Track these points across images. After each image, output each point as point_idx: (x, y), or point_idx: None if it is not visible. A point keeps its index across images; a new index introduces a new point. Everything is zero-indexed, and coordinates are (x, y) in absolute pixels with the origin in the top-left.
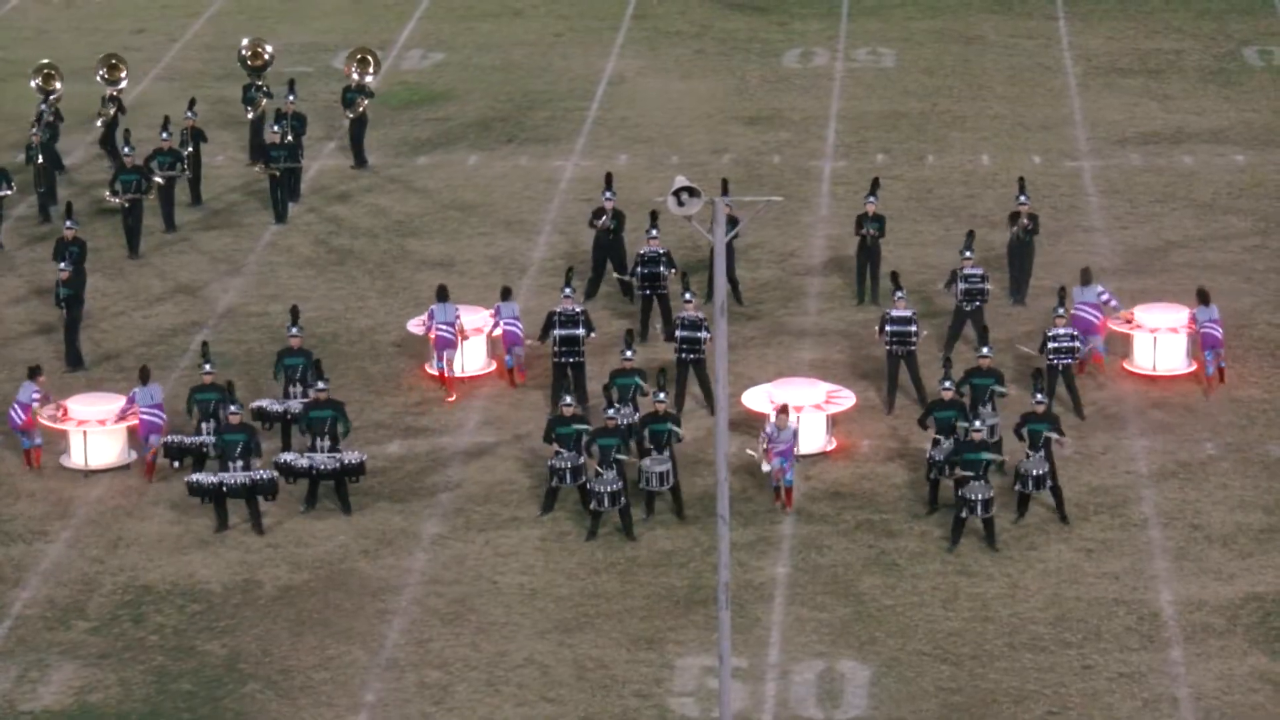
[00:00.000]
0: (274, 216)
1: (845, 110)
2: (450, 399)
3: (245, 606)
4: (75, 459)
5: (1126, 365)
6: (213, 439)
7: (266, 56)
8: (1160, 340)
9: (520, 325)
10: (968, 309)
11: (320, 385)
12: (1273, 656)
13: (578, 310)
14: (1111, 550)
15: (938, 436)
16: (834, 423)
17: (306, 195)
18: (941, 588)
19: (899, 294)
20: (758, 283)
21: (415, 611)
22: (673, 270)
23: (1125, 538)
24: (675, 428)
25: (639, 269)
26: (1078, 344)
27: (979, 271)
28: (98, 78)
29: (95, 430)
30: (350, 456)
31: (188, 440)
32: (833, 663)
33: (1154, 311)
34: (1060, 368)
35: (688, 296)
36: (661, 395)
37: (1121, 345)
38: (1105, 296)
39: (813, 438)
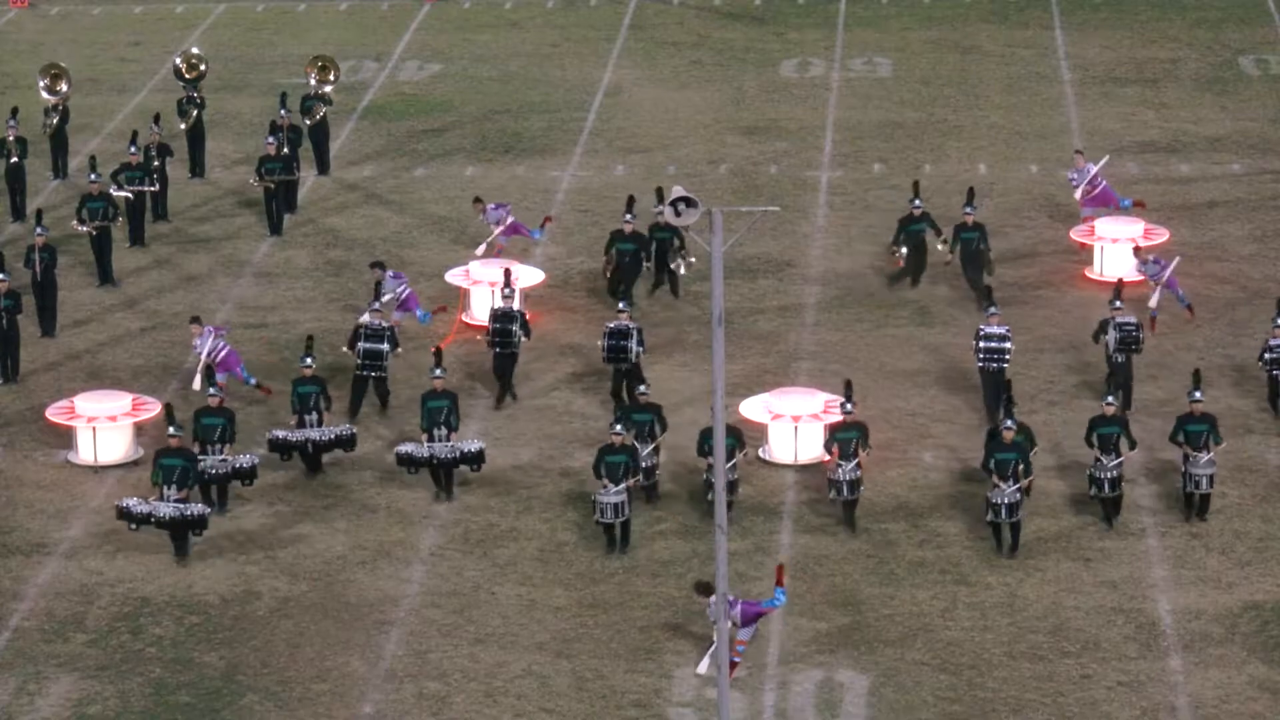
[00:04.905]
0: (269, 228)
1: (842, 120)
2: None
3: (243, 618)
4: (84, 455)
5: (1087, 273)
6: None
7: (202, 69)
8: (1107, 249)
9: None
10: (1120, 360)
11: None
12: (1271, 665)
13: (630, 326)
14: (1110, 559)
15: (1099, 456)
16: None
17: (303, 206)
18: (940, 597)
19: (992, 310)
20: (755, 293)
21: (413, 622)
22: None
23: (1123, 546)
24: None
25: (493, 324)
26: None
27: (1133, 320)
28: (40, 88)
29: (104, 426)
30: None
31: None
32: (831, 672)
33: (1110, 223)
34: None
35: (621, 306)
36: (619, 428)
37: (1080, 253)
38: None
39: (811, 447)
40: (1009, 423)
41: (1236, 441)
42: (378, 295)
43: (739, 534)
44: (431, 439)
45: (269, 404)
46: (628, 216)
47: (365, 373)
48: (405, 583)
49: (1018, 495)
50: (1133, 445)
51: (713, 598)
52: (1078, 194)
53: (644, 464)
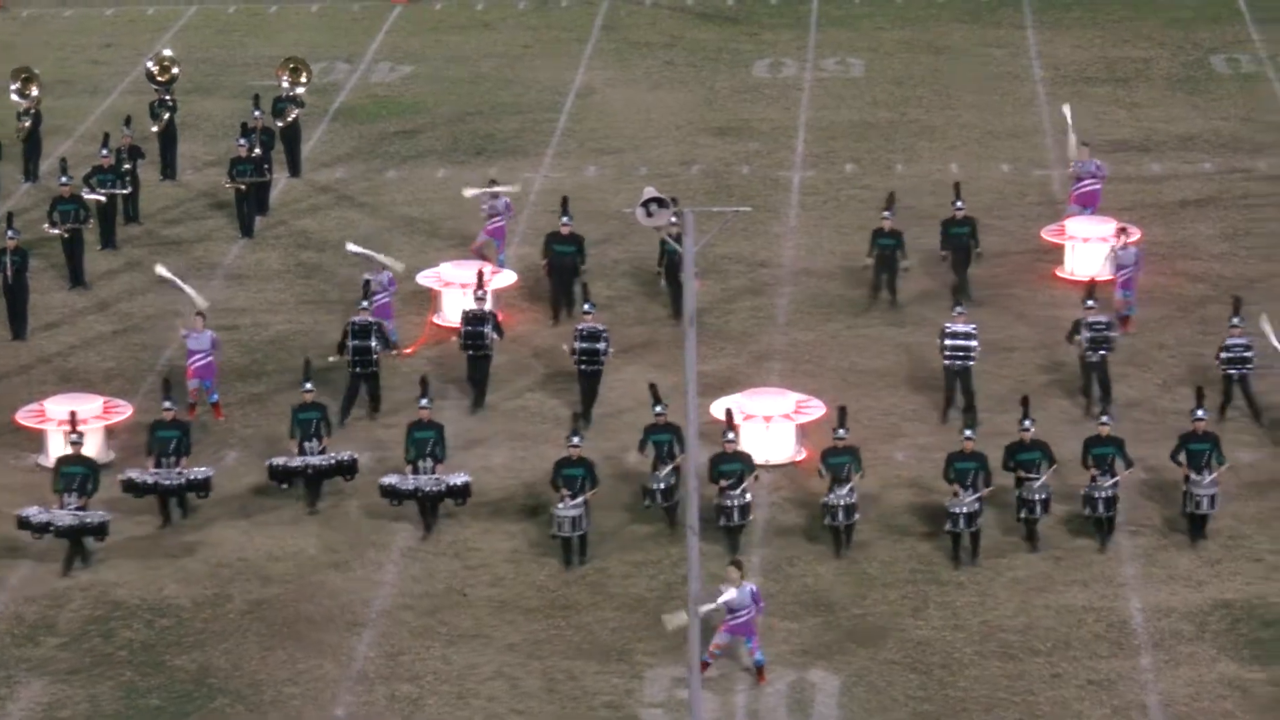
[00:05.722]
0: (240, 230)
1: (814, 120)
2: None
3: (215, 621)
4: (55, 458)
5: (1058, 272)
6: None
7: (174, 71)
8: (1079, 249)
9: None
10: (1093, 359)
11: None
12: (1241, 663)
13: (600, 329)
14: (1080, 558)
15: (1095, 476)
16: (804, 433)
17: (275, 209)
18: (911, 597)
19: (959, 309)
20: (727, 293)
21: (385, 624)
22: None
23: (1093, 545)
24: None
25: (465, 326)
26: (1251, 354)
27: (1104, 319)
28: (11, 92)
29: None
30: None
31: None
32: (803, 672)
33: (1080, 222)
34: (1236, 377)
35: (587, 308)
36: (576, 440)
37: (1055, 253)
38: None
39: (782, 448)
40: (969, 433)
41: None
42: (366, 295)
43: (711, 534)
44: (416, 470)
45: (269, 430)
46: (564, 219)
47: (356, 369)
48: (377, 585)
49: (977, 505)
50: (1129, 464)
51: (739, 587)
52: (1073, 173)
53: (662, 485)
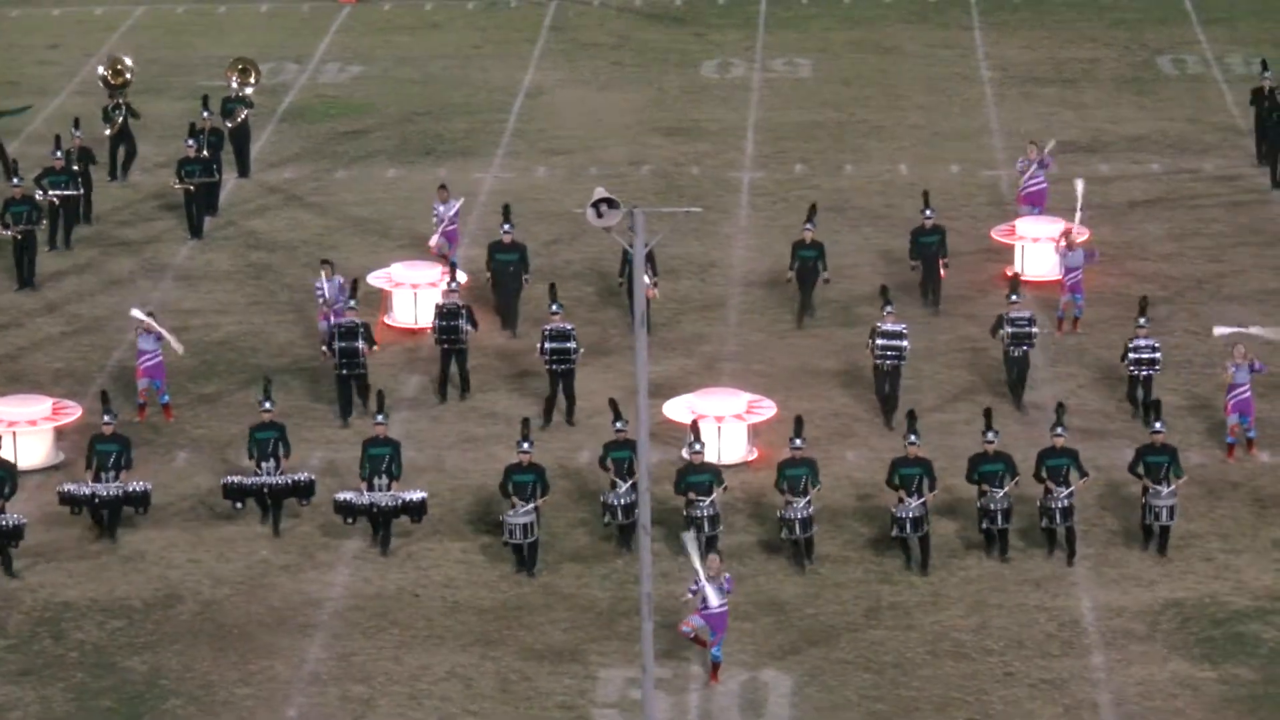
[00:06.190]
0: (189, 231)
1: (763, 121)
2: None
3: (166, 622)
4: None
5: (1008, 272)
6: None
7: (127, 75)
8: (1028, 249)
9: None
10: (1016, 354)
11: (267, 406)
12: (1192, 662)
13: (568, 328)
14: (1032, 557)
15: (1049, 486)
16: (755, 433)
17: (224, 209)
18: (864, 597)
19: (889, 308)
20: (678, 294)
21: (337, 625)
22: (474, 328)
23: (1045, 544)
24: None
25: (439, 320)
26: (1158, 355)
27: (1026, 314)
28: None
29: (25, 430)
30: (411, 495)
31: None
32: (756, 672)
33: (1030, 223)
34: (1140, 378)
35: (554, 308)
36: (525, 446)
37: (1002, 253)
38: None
39: (734, 448)
40: (913, 438)
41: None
42: (354, 294)
43: (663, 534)
44: (371, 487)
45: (219, 430)
46: (505, 227)
47: (343, 372)
48: (329, 586)
49: (923, 510)
50: (1084, 475)
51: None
52: (1023, 179)
53: (622, 501)
